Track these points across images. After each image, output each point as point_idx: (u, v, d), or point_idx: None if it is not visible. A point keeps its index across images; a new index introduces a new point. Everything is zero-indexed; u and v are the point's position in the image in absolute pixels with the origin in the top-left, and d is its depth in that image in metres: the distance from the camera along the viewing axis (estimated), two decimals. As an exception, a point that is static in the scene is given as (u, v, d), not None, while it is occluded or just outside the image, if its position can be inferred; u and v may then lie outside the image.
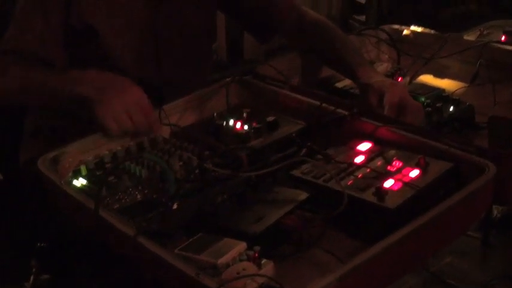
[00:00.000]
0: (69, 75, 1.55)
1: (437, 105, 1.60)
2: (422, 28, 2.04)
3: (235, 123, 1.52)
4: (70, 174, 1.35)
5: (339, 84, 1.79)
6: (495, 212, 1.63)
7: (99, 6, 1.66)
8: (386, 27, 2.04)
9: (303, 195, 1.26)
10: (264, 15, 1.86)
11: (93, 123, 1.46)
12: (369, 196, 1.24)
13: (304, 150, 1.43)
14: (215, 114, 1.58)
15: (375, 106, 1.58)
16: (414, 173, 1.30)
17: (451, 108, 1.61)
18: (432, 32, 2.01)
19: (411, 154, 1.35)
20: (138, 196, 1.30)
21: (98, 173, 1.37)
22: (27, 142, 1.80)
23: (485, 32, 2.09)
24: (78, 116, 1.54)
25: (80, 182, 1.34)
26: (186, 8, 1.77)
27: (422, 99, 1.64)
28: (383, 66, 1.92)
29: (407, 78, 1.85)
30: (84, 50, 1.69)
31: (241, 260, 1.09)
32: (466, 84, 1.82)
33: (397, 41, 1.98)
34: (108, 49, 1.68)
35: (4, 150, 1.88)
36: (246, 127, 1.50)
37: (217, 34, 1.95)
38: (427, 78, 1.88)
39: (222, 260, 1.08)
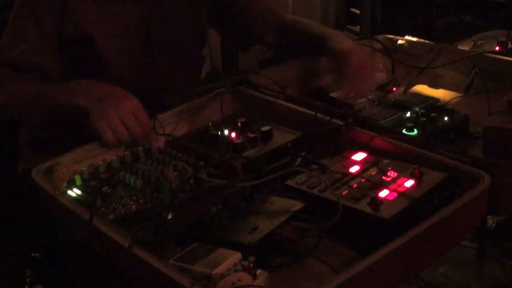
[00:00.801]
0: (66, 85, 1.55)
1: (432, 115, 1.60)
2: (417, 38, 2.04)
3: (230, 133, 1.52)
4: (64, 184, 1.35)
5: (334, 94, 1.79)
6: (490, 222, 1.63)
7: (95, 15, 1.66)
8: (380, 37, 2.04)
9: (298, 205, 1.26)
10: (248, 24, 1.88)
11: (90, 132, 1.46)
12: (363, 206, 1.24)
13: (299, 160, 1.43)
14: (210, 124, 1.58)
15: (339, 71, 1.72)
16: (409, 183, 1.30)
17: (446, 118, 1.61)
18: (426, 42, 2.01)
19: (406, 164, 1.35)
20: (133, 206, 1.29)
21: (92, 183, 1.36)
22: (23, 152, 1.80)
23: (479, 42, 2.10)
24: (74, 125, 1.54)
25: (74, 192, 1.34)
26: (180, 14, 1.79)
27: (417, 109, 1.64)
28: (377, 76, 1.93)
29: (402, 88, 1.85)
30: (80, 57, 1.69)
31: (236, 271, 1.09)
32: (460, 94, 1.82)
33: (391, 51, 1.98)
34: (104, 56, 1.69)
35: (4, 160, 1.88)
36: (240, 137, 1.50)
37: (208, 40, 1.96)
38: (422, 88, 1.88)
39: (216, 271, 1.08)
